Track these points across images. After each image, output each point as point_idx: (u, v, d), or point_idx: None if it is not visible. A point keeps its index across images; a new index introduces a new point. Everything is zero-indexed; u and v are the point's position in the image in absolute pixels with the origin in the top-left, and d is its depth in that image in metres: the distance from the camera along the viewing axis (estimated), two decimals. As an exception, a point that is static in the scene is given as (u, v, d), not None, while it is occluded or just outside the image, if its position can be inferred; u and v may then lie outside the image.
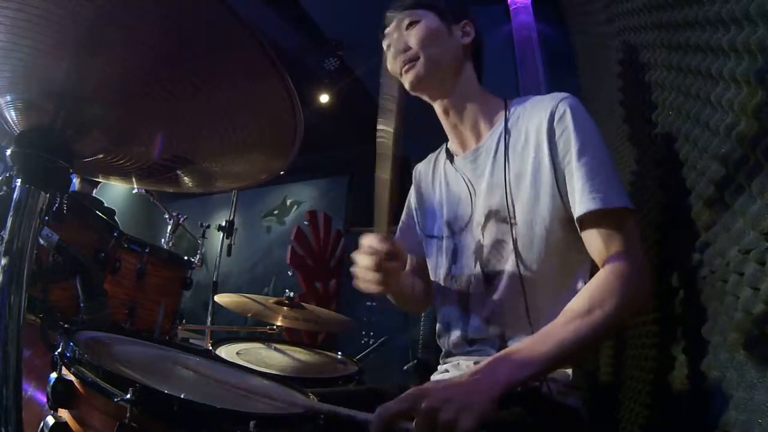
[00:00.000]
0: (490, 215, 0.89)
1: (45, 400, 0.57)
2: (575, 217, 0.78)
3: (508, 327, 0.85)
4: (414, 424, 0.56)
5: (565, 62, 2.62)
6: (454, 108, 0.97)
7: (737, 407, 0.56)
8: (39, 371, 0.96)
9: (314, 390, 0.82)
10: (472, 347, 0.91)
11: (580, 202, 0.76)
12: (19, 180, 0.55)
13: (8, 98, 0.55)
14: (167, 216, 2.49)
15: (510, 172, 0.87)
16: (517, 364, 0.65)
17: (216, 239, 2.61)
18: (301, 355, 1.50)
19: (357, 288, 0.90)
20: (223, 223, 2.54)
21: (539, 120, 0.85)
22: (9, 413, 0.50)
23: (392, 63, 0.95)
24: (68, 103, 0.55)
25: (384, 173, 0.84)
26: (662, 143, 0.92)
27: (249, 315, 1.77)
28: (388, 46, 0.97)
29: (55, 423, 0.54)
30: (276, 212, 5.50)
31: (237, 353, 1.32)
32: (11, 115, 0.57)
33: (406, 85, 0.94)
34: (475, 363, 0.87)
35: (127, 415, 0.50)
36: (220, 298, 1.77)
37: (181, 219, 2.52)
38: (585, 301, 0.71)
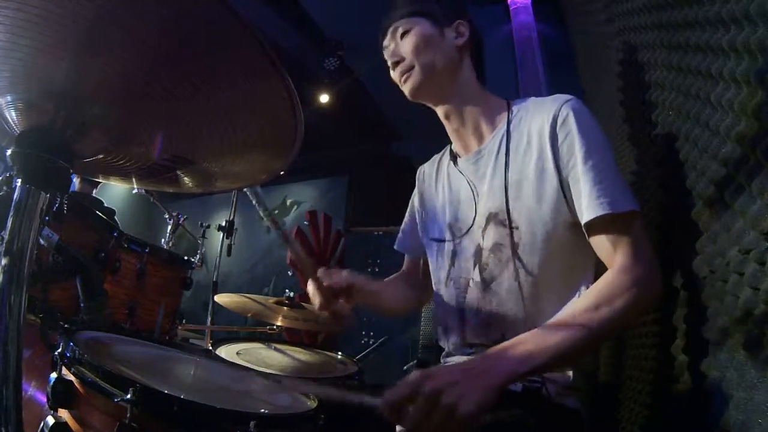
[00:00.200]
0: (491, 218, 0.89)
1: (45, 400, 0.57)
2: (582, 223, 0.77)
3: (508, 332, 0.84)
4: (415, 405, 0.58)
5: (565, 62, 2.62)
6: (455, 112, 0.97)
7: (737, 407, 0.56)
8: (39, 371, 0.96)
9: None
10: (471, 350, 0.91)
11: (588, 208, 0.76)
12: (19, 180, 0.55)
13: (8, 98, 0.55)
14: (167, 216, 2.50)
15: (510, 175, 0.87)
16: (522, 354, 0.65)
17: (216, 239, 2.61)
18: (301, 355, 1.50)
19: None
20: (223, 223, 2.54)
21: (541, 123, 0.85)
22: (9, 413, 0.50)
23: (392, 74, 0.97)
24: (68, 103, 0.55)
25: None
26: (662, 143, 0.92)
27: (249, 315, 1.77)
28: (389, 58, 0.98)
29: (55, 423, 0.54)
30: (276, 212, 5.49)
31: (237, 353, 1.32)
32: (11, 115, 0.57)
33: (406, 94, 0.97)
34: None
35: (127, 415, 0.51)
36: (220, 298, 1.77)
37: (181, 219, 2.52)
38: (593, 297, 0.71)
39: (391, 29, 0.98)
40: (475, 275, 0.89)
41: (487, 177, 0.91)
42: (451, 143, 1.05)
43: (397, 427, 0.79)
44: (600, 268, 0.79)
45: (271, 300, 1.69)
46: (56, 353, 0.60)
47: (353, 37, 3.48)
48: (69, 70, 0.51)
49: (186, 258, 1.76)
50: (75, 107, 0.56)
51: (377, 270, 3.96)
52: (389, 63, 0.98)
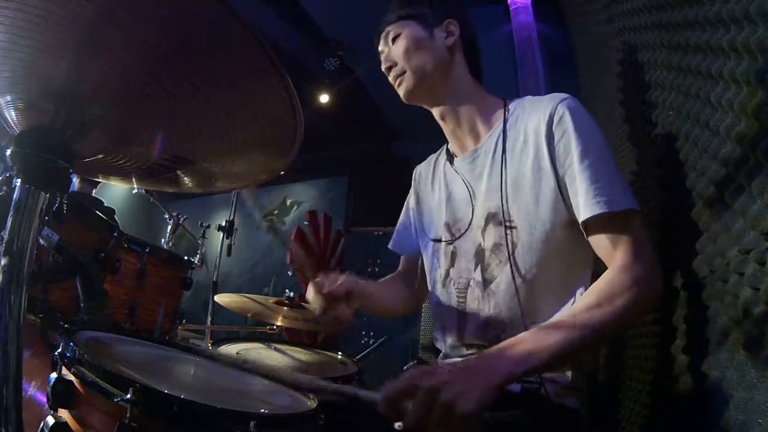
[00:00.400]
0: (489, 218, 0.88)
1: (45, 400, 0.57)
2: (580, 221, 0.77)
3: (505, 332, 0.84)
4: (414, 401, 0.58)
5: (565, 62, 2.62)
6: (450, 112, 0.97)
7: (737, 407, 0.56)
8: (39, 371, 0.96)
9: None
10: (468, 351, 0.91)
11: (585, 206, 0.75)
12: (19, 180, 0.55)
13: (8, 98, 0.55)
14: (167, 216, 2.50)
15: (507, 175, 0.86)
16: (522, 354, 0.65)
17: (216, 239, 2.62)
18: (301, 355, 1.50)
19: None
20: (223, 223, 2.54)
21: (537, 122, 0.85)
22: (9, 413, 0.50)
23: (390, 79, 0.99)
24: (68, 103, 0.55)
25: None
26: (662, 143, 0.92)
27: (249, 315, 1.77)
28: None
29: (55, 423, 0.54)
30: (276, 212, 5.50)
31: (237, 353, 1.32)
32: (11, 115, 0.57)
33: (402, 98, 0.98)
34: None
35: (127, 415, 0.51)
36: (220, 298, 1.77)
37: (181, 219, 2.52)
38: (594, 296, 0.71)
39: (383, 34, 1.00)
40: (477, 275, 0.89)
41: (484, 177, 0.91)
42: (448, 143, 1.05)
43: (396, 424, 0.79)
44: (599, 268, 0.79)
45: (271, 300, 1.69)
46: (56, 353, 0.60)
47: (353, 37, 3.48)
48: (69, 70, 0.51)
49: (186, 258, 1.76)
50: (75, 107, 0.56)
51: (377, 270, 3.97)
52: (383, 68, 0.99)
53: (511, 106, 0.93)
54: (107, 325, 0.91)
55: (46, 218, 0.58)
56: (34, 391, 0.93)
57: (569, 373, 0.82)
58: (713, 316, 0.67)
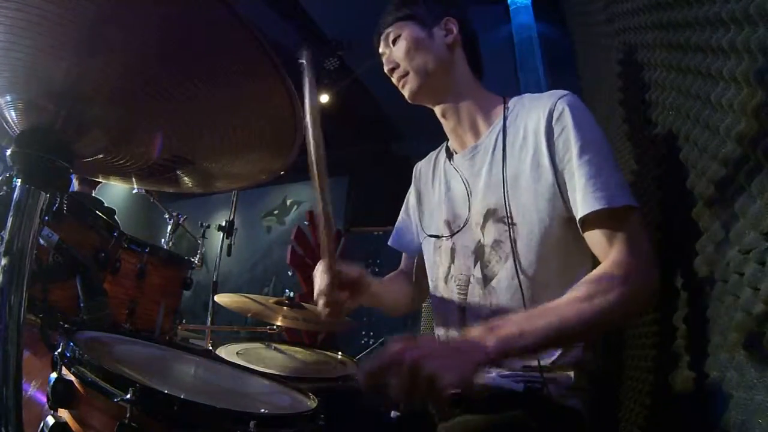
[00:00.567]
0: (489, 215, 0.89)
1: (45, 400, 0.57)
2: (577, 218, 0.77)
3: None
4: (399, 375, 0.57)
5: (565, 62, 2.62)
6: (451, 109, 0.98)
7: (737, 407, 0.56)
8: (39, 371, 0.96)
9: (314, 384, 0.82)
10: None
11: (583, 202, 0.76)
12: (19, 180, 0.55)
13: (8, 98, 0.55)
14: (167, 216, 2.50)
15: (507, 171, 0.87)
16: (511, 333, 0.65)
17: (216, 239, 2.62)
18: (301, 355, 1.50)
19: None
20: (223, 223, 2.54)
21: (537, 118, 0.85)
22: (9, 413, 0.50)
23: (393, 81, 0.99)
24: (68, 103, 0.55)
25: (324, 206, 0.79)
26: (662, 143, 0.92)
27: (249, 315, 1.77)
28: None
29: (55, 423, 0.54)
30: (276, 212, 5.50)
31: (237, 353, 1.32)
32: (11, 115, 0.57)
33: (407, 98, 0.98)
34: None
35: (127, 415, 0.51)
36: (220, 298, 1.77)
37: (181, 219, 2.52)
38: (586, 287, 0.70)
39: (383, 36, 1.00)
40: (476, 272, 0.89)
41: (483, 173, 0.91)
42: (447, 140, 1.05)
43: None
44: (598, 264, 0.78)
45: (271, 300, 1.69)
46: (56, 353, 0.60)
47: (353, 37, 3.48)
48: (69, 70, 0.51)
49: (186, 258, 1.76)
50: (75, 107, 0.56)
51: (377, 270, 3.96)
52: (385, 70, 0.99)
53: (511, 104, 0.94)
54: (107, 325, 0.91)
55: (46, 218, 0.58)
56: (34, 391, 0.93)
57: (572, 374, 0.82)
58: (713, 316, 0.67)
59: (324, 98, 4.08)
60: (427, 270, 1.04)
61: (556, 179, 0.81)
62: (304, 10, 3.39)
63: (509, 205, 0.85)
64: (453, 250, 0.95)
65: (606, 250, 0.75)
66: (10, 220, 0.54)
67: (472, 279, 0.90)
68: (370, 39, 1.05)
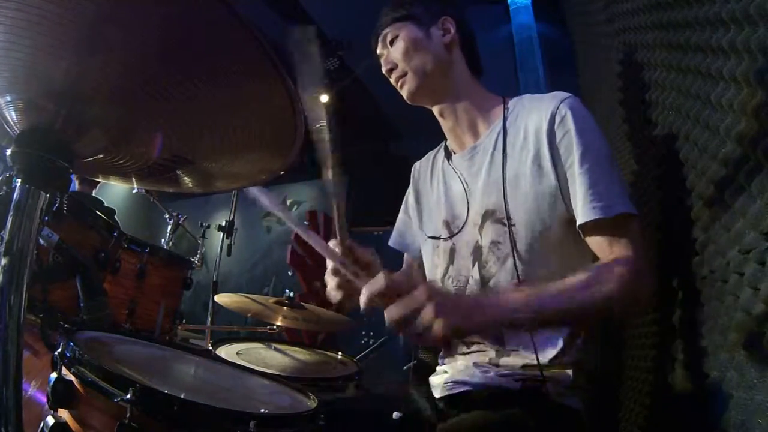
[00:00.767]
0: (487, 215, 0.89)
1: (45, 400, 0.57)
2: (577, 224, 0.78)
3: (508, 331, 0.84)
4: (402, 304, 0.62)
5: (565, 62, 2.62)
6: (449, 109, 0.97)
7: (737, 407, 0.56)
8: (39, 371, 0.96)
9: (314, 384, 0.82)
10: (469, 349, 0.91)
11: (583, 210, 0.76)
12: (19, 180, 0.55)
13: (8, 98, 0.55)
14: (167, 216, 2.49)
15: (507, 172, 0.86)
16: (506, 306, 0.68)
17: (216, 239, 2.61)
18: (301, 355, 1.50)
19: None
20: (223, 223, 2.54)
21: (539, 120, 0.85)
22: (9, 413, 0.50)
23: (392, 81, 0.99)
24: (68, 103, 0.55)
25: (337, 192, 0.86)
26: (662, 143, 0.92)
27: (249, 315, 1.77)
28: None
29: (55, 423, 0.54)
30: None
31: (237, 353, 1.32)
32: (11, 115, 0.57)
33: (405, 99, 0.98)
34: (474, 363, 0.87)
35: (127, 415, 0.51)
36: (220, 298, 1.77)
37: (181, 219, 2.52)
38: (585, 277, 0.72)
39: (380, 37, 1.00)
40: (475, 273, 0.89)
41: (483, 174, 0.91)
42: (446, 140, 1.05)
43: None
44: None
45: (271, 300, 1.69)
46: (56, 353, 0.60)
47: (353, 37, 3.48)
48: (69, 69, 0.51)
49: (186, 258, 1.76)
50: (75, 107, 0.56)
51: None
52: (384, 71, 0.99)
53: (511, 104, 0.93)
54: (107, 325, 0.91)
55: (46, 218, 0.58)
56: (34, 391, 0.93)
57: (571, 372, 0.82)
58: (713, 316, 0.67)
59: (324, 98, 4.08)
60: (426, 270, 1.04)
61: (557, 182, 0.81)
62: (304, 10, 3.38)
63: (508, 205, 0.85)
64: (453, 251, 0.95)
65: (605, 256, 0.76)
66: (10, 220, 0.53)
67: (470, 280, 0.90)
68: (370, 39, 1.05)
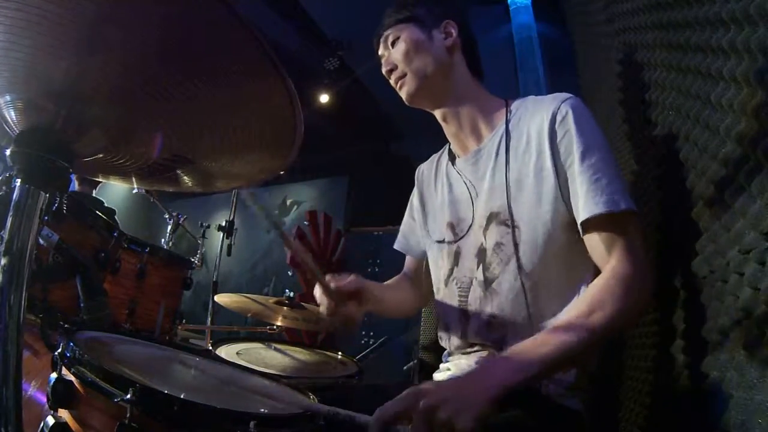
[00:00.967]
0: (492, 218, 0.89)
1: (45, 400, 0.57)
2: (578, 221, 0.77)
3: (510, 332, 0.84)
4: (412, 424, 0.57)
5: (565, 62, 2.62)
6: (452, 113, 0.97)
7: (737, 407, 0.56)
8: (39, 371, 0.96)
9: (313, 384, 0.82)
10: (472, 350, 0.91)
11: (584, 207, 0.76)
12: (19, 180, 0.55)
13: (8, 98, 0.55)
14: (167, 216, 2.49)
15: (510, 175, 0.87)
16: (516, 365, 0.65)
17: (216, 239, 2.61)
18: (301, 355, 1.50)
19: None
20: (223, 223, 2.54)
21: (540, 121, 0.85)
22: (9, 413, 0.50)
23: (392, 83, 0.99)
24: (68, 103, 0.55)
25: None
26: (662, 143, 0.92)
27: (249, 315, 1.77)
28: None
29: (55, 423, 0.54)
30: (276, 212, 5.50)
31: (237, 353, 1.32)
32: (11, 115, 0.57)
33: (404, 101, 0.98)
34: (476, 362, 0.87)
35: (127, 415, 0.50)
36: (220, 298, 1.77)
37: (181, 219, 2.52)
38: (585, 304, 0.71)
39: (382, 38, 1.00)
40: (479, 275, 0.89)
41: (487, 177, 0.91)
42: (449, 142, 1.05)
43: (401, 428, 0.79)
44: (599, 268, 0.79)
45: (271, 300, 1.69)
46: (56, 353, 0.60)
47: (353, 37, 3.48)
48: (69, 69, 0.51)
49: (186, 258, 1.76)
50: (75, 107, 0.56)
51: (377, 270, 3.96)
52: (383, 72, 0.99)
53: (514, 107, 0.93)
54: (107, 325, 0.91)
55: (46, 218, 0.58)
56: (34, 391, 0.93)
57: (571, 373, 0.82)
58: (713, 316, 0.67)
59: (324, 98, 4.09)
60: (430, 271, 1.05)
61: (558, 182, 0.81)
62: (304, 10, 3.39)
63: (512, 208, 0.85)
64: (457, 254, 0.95)
65: (605, 256, 0.75)
66: (9, 220, 0.54)
67: (474, 282, 0.90)
68: (370, 39, 1.05)
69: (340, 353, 1.59)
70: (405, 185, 1.19)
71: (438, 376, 0.96)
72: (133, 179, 0.74)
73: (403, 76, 0.95)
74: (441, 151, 1.10)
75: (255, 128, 0.62)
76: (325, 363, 1.50)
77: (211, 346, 1.36)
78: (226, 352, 1.31)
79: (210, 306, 2.24)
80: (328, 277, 0.92)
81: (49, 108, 0.55)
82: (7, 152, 0.56)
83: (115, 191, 4.83)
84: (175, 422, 0.54)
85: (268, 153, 0.68)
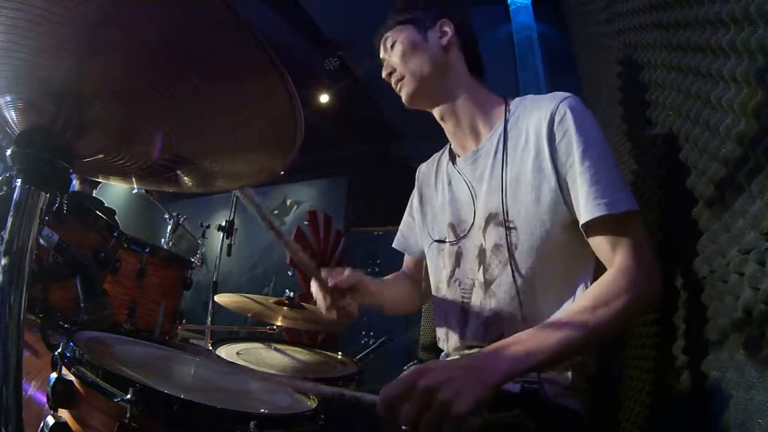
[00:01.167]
0: (490, 219, 0.88)
1: (45, 400, 0.57)
2: (581, 224, 0.77)
3: (506, 333, 0.83)
4: (411, 401, 0.57)
5: (565, 62, 2.62)
6: (449, 112, 0.97)
7: (737, 407, 0.56)
8: (39, 371, 0.96)
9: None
10: (471, 352, 0.90)
11: (586, 209, 0.75)
12: (19, 180, 0.55)
13: (8, 98, 0.55)
14: (167, 216, 2.49)
15: (508, 175, 0.86)
16: (519, 353, 0.65)
17: (216, 239, 2.61)
18: (301, 355, 1.50)
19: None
20: (223, 223, 2.54)
21: (539, 121, 0.84)
22: (9, 413, 0.50)
23: (392, 85, 1.00)
24: (68, 103, 0.55)
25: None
26: (662, 143, 0.92)
27: (249, 315, 1.77)
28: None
29: (55, 423, 0.54)
30: (276, 212, 5.50)
31: (237, 353, 1.32)
32: (11, 115, 0.57)
33: (404, 102, 0.99)
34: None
35: (127, 415, 0.51)
36: (220, 298, 1.77)
37: (181, 219, 2.52)
38: (591, 298, 0.71)
39: (382, 42, 1.01)
40: (479, 276, 0.89)
41: (486, 177, 0.91)
42: (449, 142, 1.05)
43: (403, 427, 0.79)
44: (600, 268, 0.78)
45: (271, 300, 1.69)
46: (56, 353, 0.60)
47: (353, 37, 3.48)
48: (69, 70, 0.51)
49: (186, 258, 1.76)
50: (75, 107, 0.56)
51: (377, 270, 3.96)
52: (383, 75, 1.00)
53: (513, 105, 0.93)
54: (107, 325, 0.91)
55: (46, 218, 0.58)
56: (34, 391, 0.93)
57: (569, 374, 0.82)
58: (713, 316, 0.67)
59: (324, 98, 4.09)
60: (429, 272, 1.04)
61: (558, 183, 0.81)
62: (304, 10, 3.38)
63: (508, 208, 0.85)
64: (459, 254, 0.95)
65: (610, 255, 0.75)
66: (10, 220, 0.53)
67: (475, 283, 0.90)
68: (370, 39, 1.06)
69: (340, 353, 1.59)
70: (405, 185, 1.19)
71: None
72: (133, 179, 0.74)
73: (401, 78, 0.96)
74: (442, 150, 1.10)
75: (255, 128, 0.62)
76: (325, 363, 1.50)
77: (211, 346, 1.36)
78: (226, 352, 1.31)
79: (210, 306, 2.24)
80: (324, 272, 0.92)
81: (50, 108, 0.55)
82: (8, 152, 0.56)
83: (115, 191, 4.83)
84: (175, 422, 0.54)
85: (268, 153, 0.68)
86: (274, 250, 5.21)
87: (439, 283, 0.99)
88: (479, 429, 0.78)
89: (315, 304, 0.98)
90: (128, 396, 0.51)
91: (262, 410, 0.67)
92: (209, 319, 2.31)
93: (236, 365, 0.98)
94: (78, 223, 1.18)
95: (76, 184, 2.47)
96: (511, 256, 0.83)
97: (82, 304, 0.89)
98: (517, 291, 0.82)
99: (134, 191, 3.05)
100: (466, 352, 0.91)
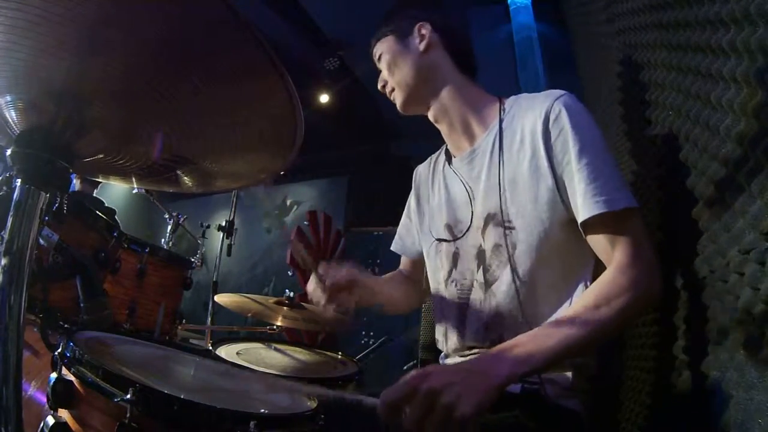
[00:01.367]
0: (489, 219, 0.88)
1: (45, 400, 0.57)
2: (579, 222, 0.77)
3: (506, 334, 0.84)
4: (413, 405, 0.57)
5: (565, 62, 2.62)
6: (442, 114, 0.98)
7: (737, 407, 0.56)
8: (39, 371, 0.96)
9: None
10: (470, 353, 0.90)
11: (584, 206, 0.75)
12: (19, 180, 0.55)
13: (8, 98, 0.55)
14: (167, 216, 2.49)
15: (505, 175, 0.86)
16: (521, 355, 0.65)
17: (216, 239, 2.61)
18: (301, 355, 1.50)
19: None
20: (223, 223, 2.54)
21: (534, 120, 0.84)
22: (9, 413, 0.50)
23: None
24: (68, 103, 0.55)
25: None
26: (662, 143, 0.92)
27: (249, 315, 1.77)
28: None
29: (55, 423, 0.54)
30: (276, 212, 5.50)
31: (237, 353, 1.32)
32: (11, 115, 0.57)
33: (400, 111, 1.02)
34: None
35: (127, 415, 0.51)
36: (220, 298, 1.77)
37: (181, 219, 2.52)
38: (592, 298, 0.70)
39: (375, 56, 1.03)
40: (479, 276, 0.89)
41: (482, 177, 0.90)
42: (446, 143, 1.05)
43: None
44: (600, 267, 0.78)
45: (271, 300, 1.68)
46: (56, 353, 0.60)
47: (353, 37, 3.48)
48: (69, 70, 0.51)
49: (186, 258, 1.76)
50: (75, 107, 0.56)
51: (377, 270, 3.96)
52: (379, 88, 1.02)
53: (507, 104, 0.93)
54: (107, 325, 0.91)
55: (46, 218, 0.58)
56: (34, 391, 0.93)
57: (570, 374, 0.82)
58: (713, 316, 0.67)
59: (324, 98, 4.09)
60: (428, 272, 1.04)
61: (555, 182, 0.80)
62: (304, 10, 3.38)
63: (506, 209, 0.85)
64: (456, 254, 0.95)
65: (609, 253, 0.75)
66: (10, 220, 0.54)
67: (475, 284, 0.90)
68: (370, 39, 1.06)
69: (340, 353, 1.59)
70: (405, 186, 1.19)
71: None
72: (133, 179, 0.74)
73: (392, 90, 0.99)
74: (438, 151, 1.10)
75: (255, 128, 0.62)
76: (325, 363, 1.50)
77: (211, 346, 1.36)
78: (226, 352, 1.31)
79: (210, 306, 2.24)
80: (322, 268, 0.93)
81: (50, 108, 0.55)
82: (8, 152, 0.56)
83: (115, 191, 4.83)
84: (175, 422, 0.54)
85: (268, 153, 0.68)
86: (274, 250, 5.22)
87: (438, 283, 0.99)
88: (480, 429, 0.78)
89: (311, 301, 0.98)
90: (128, 396, 0.51)
91: (262, 410, 0.67)
92: (209, 319, 2.31)
93: (237, 366, 0.98)
94: (78, 223, 1.18)
95: (76, 184, 2.47)
96: (510, 256, 0.83)
97: (82, 304, 0.89)
98: (517, 291, 0.82)
99: (134, 191, 3.05)
100: (466, 352, 0.91)
